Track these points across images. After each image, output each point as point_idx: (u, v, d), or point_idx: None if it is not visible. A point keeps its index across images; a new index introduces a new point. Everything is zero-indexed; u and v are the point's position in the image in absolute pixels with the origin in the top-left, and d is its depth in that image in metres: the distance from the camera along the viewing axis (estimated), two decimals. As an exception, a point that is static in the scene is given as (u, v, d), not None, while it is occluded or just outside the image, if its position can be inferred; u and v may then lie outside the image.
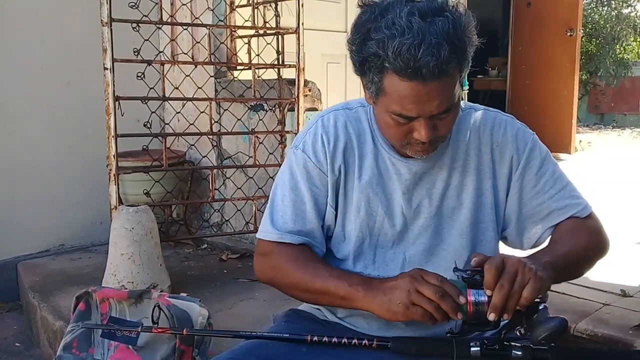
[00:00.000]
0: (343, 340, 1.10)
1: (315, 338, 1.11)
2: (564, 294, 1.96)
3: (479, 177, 1.19)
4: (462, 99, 1.19)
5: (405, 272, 1.06)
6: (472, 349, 1.03)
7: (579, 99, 6.27)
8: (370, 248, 1.21)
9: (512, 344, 1.02)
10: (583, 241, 1.16)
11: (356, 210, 1.20)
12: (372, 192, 1.19)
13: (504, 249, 1.26)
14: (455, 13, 1.01)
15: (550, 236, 1.21)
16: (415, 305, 1.01)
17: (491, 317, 0.96)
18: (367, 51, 1.02)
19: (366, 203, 1.19)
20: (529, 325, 0.97)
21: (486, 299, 0.98)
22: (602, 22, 9.07)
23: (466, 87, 5.24)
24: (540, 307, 0.96)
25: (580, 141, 6.22)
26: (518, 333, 0.99)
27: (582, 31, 5.67)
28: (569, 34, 5.41)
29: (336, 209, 1.22)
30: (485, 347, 1.03)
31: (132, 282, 2.07)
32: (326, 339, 1.10)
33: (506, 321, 1.00)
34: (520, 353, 1.01)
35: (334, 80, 3.58)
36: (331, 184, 1.20)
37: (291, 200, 1.20)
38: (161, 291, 1.76)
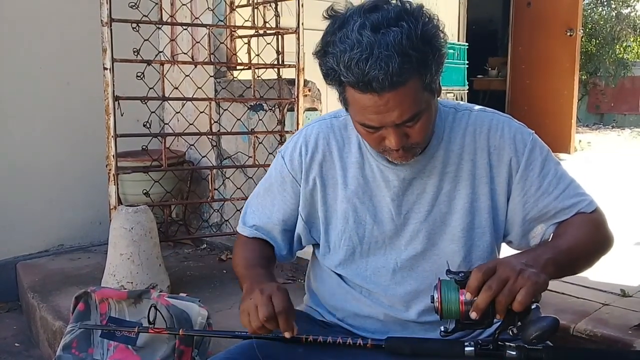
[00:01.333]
0: (338, 340, 1.12)
1: (311, 338, 1.12)
2: (563, 293, 1.96)
3: (474, 182, 1.18)
4: (463, 100, 1.19)
5: (269, 284, 1.10)
6: (467, 348, 1.03)
7: (578, 99, 6.28)
8: (362, 256, 1.22)
9: (507, 344, 1.02)
10: (587, 236, 1.15)
11: (344, 221, 1.21)
12: (359, 201, 1.20)
13: (507, 251, 1.25)
14: (414, 21, 1.00)
15: (554, 231, 1.19)
16: (245, 313, 1.06)
17: (472, 315, 0.96)
18: (326, 65, 1.04)
19: (354, 212, 1.20)
20: (522, 325, 0.97)
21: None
22: (601, 22, 9.08)
23: (466, 87, 5.25)
24: (533, 307, 0.96)
25: (580, 141, 6.22)
26: (511, 333, 0.99)
27: (581, 31, 5.68)
28: (568, 33, 5.42)
29: (312, 221, 1.25)
30: (480, 347, 1.03)
31: (132, 282, 2.06)
32: (321, 339, 1.12)
33: (499, 321, 1.00)
34: (514, 353, 1.01)
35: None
36: (304, 195, 1.24)
37: (262, 199, 1.30)
38: (160, 291, 1.76)
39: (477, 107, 1.24)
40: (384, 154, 1.13)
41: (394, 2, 1.03)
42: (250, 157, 2.67)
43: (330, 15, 1.06)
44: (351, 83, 1.01)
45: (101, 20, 2.18)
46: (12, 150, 2.73)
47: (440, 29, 1.04)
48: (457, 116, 1.20)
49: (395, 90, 0.99)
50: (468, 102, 4.84)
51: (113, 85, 2.21)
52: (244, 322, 1.07)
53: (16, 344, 2.35)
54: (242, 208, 2.69)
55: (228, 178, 2.85)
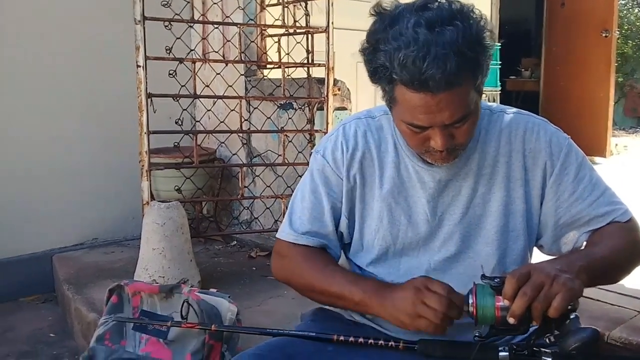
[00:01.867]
0: (369, 341, 1.11)
1: (342, 337, 1.12)
2: (598, 300, 1.92)
3: (508, 185, 1.17)
4: (495, 101, 1.18)
5: (412, 280, 1.07)
6: (501, 353, 1.02)
7: (615, 102, 6.14)
8: (395, 256, 1.21)
9: (542, 349, 1.01)
10: (622, 245, 1.13)
11: (378, 220, 1.20)
12: (394, 201, 1.19)
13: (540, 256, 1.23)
14: (467, 20, 0.99)
15: (587, 239, 1.18)
16: (420, 317, 1.02)
17: (510, 320, 0.95)
18: (376, 62, 1.02)
19: (388, 212, 1.19)
20: (560, 334, 0.95)
21: None
22: (638, 24, 8.86)
23: (498, 88, 5.18)
24: (572, 316, 0.95)
25: (616, 145, 6.08)
26: (547, 340, 0.97)
27: (617, 32, 5.54)
28: (604, 34, 5.29)
29: (351, 218, 1.23)
30: (514, 353, 1.01)
31: (163, 277, 2.09)
32: (352, 339, 1.11)
33: (535, 327, 0.98)
34: (550, 359, 0.99)
35: (363, 79, 3.50)
36: (345, 192, 1.22)
37: (310, 202, 1.24)
38: (191, 286, 1.78)
39: (511, 108, 1.23)
40: (425, 155, 1.12)
41: (443, 0, 1.02)
42: (280, 155, 2.68)
43: (377, 12, 1.05)
44: (405, 81, 0.99)
45: (134, 19, 2.21)
46: (49, 145, 2.80)
47: (488, 28, 1.02)
48: (492, 118, 1.19)
49: (450, 90, 0.98)
50: (500, 103, 4.75)
51: (146, 82, 2.24)
52: (428, 329, 1.02)
53: (51, 335, 2.40)
54: (271, 206, 2.75)
55: (258, 176, 2.87)
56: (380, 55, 1.00)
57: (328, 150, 1.24)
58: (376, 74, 1.04)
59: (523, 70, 7.31)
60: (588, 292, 1.89)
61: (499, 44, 5.11)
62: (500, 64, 5.18)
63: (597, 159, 5.16)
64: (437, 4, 1.01)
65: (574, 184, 1.16)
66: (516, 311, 0.94)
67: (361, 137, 1.22)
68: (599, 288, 1.96)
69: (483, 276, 1.00)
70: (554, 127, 1.21)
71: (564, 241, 1.19)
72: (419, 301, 1.02)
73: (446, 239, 1.18)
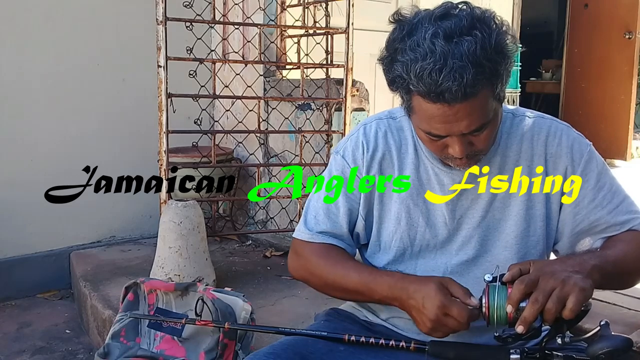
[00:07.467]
0: (380, 342, 1.11)
1: (353, 338, 1.12)
2: (614, 304, 1.89)
3: (529, 189, 1.16)
4: (515, 102, 1.17)
5: (433, 284, 1.05)
6: (512, 356, 1.02)
7: (637, 104, 6.04)
8: (412, 258, 1.20)
9: (554, 352, 1.00)
10: (636, 252, 1.12)
11: (396, 221, 1.19)
12: (413, 202, 1.19)
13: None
14: (487, 29, 0.98)
15: (601, 244, 1.17)
16: (444, 326, 1.03)
17: (519, 329, 0.95)
18: (394, 72, 1.02)
19: (407, 214, 1.19)
20: (589, 338, 0.95)
21: (525, 305, 0.96)
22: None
23: (518, 90, 5.13)
24: (602, 323, 0.95)
25: (637, 148, 5.97)
26: (560, 341, 0.97)
27: (641, 34, 5.46)
28: (627, 36, 5.22)
29: (368, 220, 1.23)
30: (526, 355, 1.01)
31: (179, 275, 2.11)
32: (363, 339, 1.12)
33: (547, 329, 0.98)
34: None
35: (381, 80, 3.52)
36: (364, 193, 1.21)
37: (323, 203, 1.23)
38: (206, 285, 1.80)
39: (533, 112, 1.22)
40: (446, 161, 1.12)
41: (463, 7, 1.01)
42: (297, 155, 2.69)
43: (396, 20, 1.04)
44: (421, 93, 0.99)
45: (156, 19, 2.23)
46: (68, 143, 2.83)
47: (510, 34, 1.02)
48: (514, 121, 1.19)
49: (467, 101, 0.98)
50: (520, 105, 4.70)
51: (166, 82, 2.26)
52: (444, 333, 1.04)
53: (67, 331, 2.43)
54: (287, 206, 2.75)
55: (274, 176, 2.88)
56: (398, 66, 1.00)
57: (348, 150, 1.23)
58: (394, 84, 1.04)
59: (544, 71, 7.22)
60: (604, 296, 1.88)
61: (521, 47, 5.06)
62: (520, 66, 5.13)
63: (617, 162, 5.09)
64: (457, 12, 1.00)
65: (594, 191, 1.15)
66: (528, 318, 0.94)
67: (382, 138, 1.21)
68: (616, 292, 1.92)
69: (501, 277, 1.00)
70: (576, 132, 1.20)
71: (578, 247, 1.19)
72: (442, 313, 1.02)
73: (464, 242, 1.18)
